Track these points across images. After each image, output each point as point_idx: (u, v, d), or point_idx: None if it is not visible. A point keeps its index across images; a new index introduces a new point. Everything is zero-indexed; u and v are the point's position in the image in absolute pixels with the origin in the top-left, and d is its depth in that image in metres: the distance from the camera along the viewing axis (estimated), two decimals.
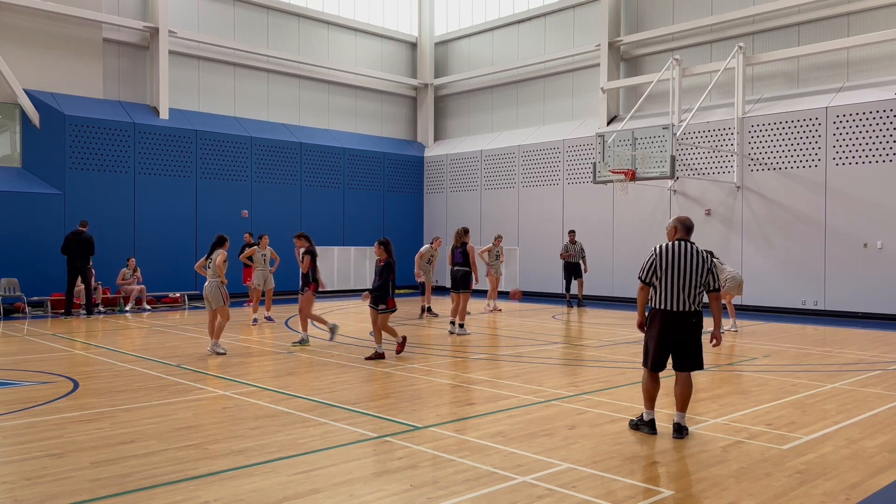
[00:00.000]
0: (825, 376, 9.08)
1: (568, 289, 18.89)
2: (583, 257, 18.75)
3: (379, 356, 10.13)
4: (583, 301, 18.95)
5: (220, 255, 10.94)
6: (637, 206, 19.70)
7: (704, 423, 6.62)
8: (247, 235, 18.40)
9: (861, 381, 8.69)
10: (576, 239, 18.81)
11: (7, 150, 18.49)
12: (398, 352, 10.48)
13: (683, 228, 6.23)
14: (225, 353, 10.66)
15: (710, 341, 6.23)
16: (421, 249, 16.22)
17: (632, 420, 6.44)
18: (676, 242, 6.15)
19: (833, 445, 5.89)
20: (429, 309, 16.21)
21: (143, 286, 17.92)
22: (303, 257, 11.71)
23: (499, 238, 17.84)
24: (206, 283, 10.97)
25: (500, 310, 17.53)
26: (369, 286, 24.14)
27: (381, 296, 10.21)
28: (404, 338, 10.61)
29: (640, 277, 6.22)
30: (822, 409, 7.22)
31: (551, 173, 22.03)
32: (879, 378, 8.95)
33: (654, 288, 6.11)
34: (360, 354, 10.68)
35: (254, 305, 15.20)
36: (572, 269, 18.69)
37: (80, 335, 13.00)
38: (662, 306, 6.07)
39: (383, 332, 10.35)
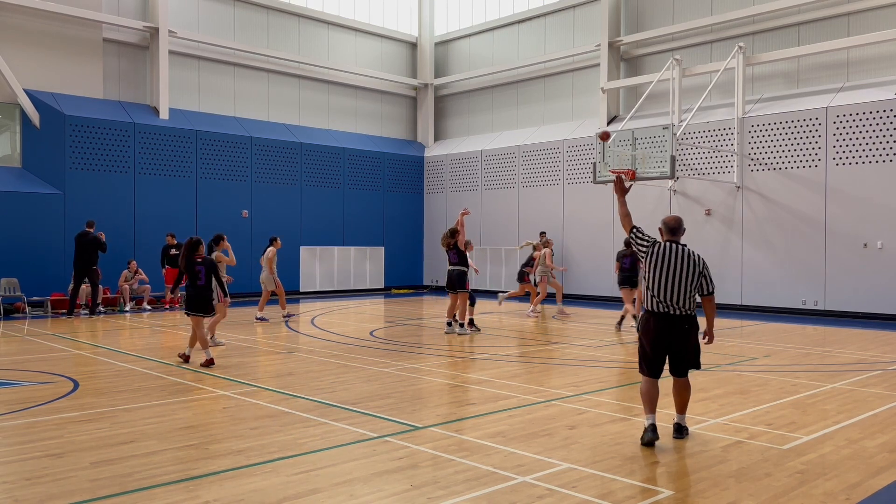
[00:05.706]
0: (825, 376, 9.08)
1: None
2: None
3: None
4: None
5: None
6: (637, 206, 19.52)
7: (704, 423, 6.62)
8: (168, 237, 18.09)
9: (861, 381, 8.69)
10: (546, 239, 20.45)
11: (7, 150, 18.49)
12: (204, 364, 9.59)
13: (667, 230, 6.14)
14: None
15: (703, 338, 6.16)
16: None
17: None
18: (668, 244, 6.08)
19: (833, 445, 5.89)
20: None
21: (147, 286, 18.03)
22: None
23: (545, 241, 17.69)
24: None
25: (539, 314, 16.66)
26: (368, 286, 24.39)
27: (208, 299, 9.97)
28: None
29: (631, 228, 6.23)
30: (823, 409, 7.22)
31: (551, 173, 22.03)
32: (879, 378, 8.95)
33: (647, 289, 6.06)
34: (360, 355, 10.68)
35: (261, 304, 15.55)
36: None
37: (80, 335, 13.00)
38: (654, 308, 6.00)
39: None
